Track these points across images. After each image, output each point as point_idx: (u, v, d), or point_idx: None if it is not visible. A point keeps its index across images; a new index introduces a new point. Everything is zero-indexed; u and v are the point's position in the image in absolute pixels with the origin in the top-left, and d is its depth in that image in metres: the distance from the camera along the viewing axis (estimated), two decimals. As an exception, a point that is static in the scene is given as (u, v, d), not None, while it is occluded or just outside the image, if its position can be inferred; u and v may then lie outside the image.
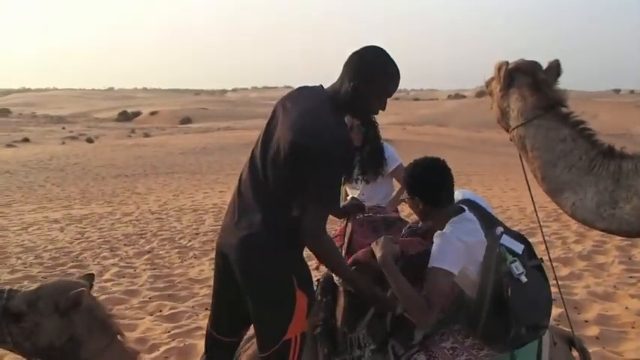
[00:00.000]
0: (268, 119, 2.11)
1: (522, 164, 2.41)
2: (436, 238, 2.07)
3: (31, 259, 7.07)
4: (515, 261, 2.00)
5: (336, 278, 2.24)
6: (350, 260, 2.20)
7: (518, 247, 2.08)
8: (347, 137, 1.98)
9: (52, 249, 7.70)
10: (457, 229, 2.05)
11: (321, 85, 2.12)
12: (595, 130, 2.28)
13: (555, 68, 2.35)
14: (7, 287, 2.06)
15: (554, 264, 6.12)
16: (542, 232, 2.85)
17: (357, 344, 2.18)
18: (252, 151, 2.11)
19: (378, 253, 2.08)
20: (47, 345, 2.02)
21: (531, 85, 2.36)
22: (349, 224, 2.40)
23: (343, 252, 2.32)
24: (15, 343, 2.01)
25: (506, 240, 2.07)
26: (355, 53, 2.04)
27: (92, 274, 2.33)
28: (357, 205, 2.50)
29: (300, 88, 2.15)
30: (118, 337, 2.20)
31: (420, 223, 2.34)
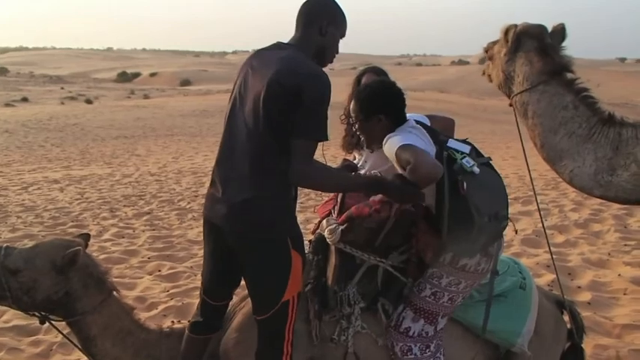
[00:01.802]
0: (238, 86, 2.06)
1: (519, 131, 2.40)
2: (388, 138, 2.07)
3: (31, 218, 7.12)
4: (465, 157, 2.02)
5: (327, 237, 2.24)
6: (342, 217, 2.21)
7: (465, 148, 2.09)
8: (329, 80, 1.99)
9: (52, 209, 7.74)
10: (410, 130, 2.09)
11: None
12: (597, 98, 2.26)
13: (560, 32, 2.31)
14: (5, 245, 2.09)
15: (550, 231, 6.24)
16: (536, 199, 2.86)
17: (347, 302, 2.21)
18: (228, 119, 2.06)
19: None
20: (44, 299, 2.09)
21: (538, 49, 2.32)
22: None
23: (335, 213, 2.33)
24: (14, 298, 2.06)
25: (452, 143, 2.10)
26: (309, 2, 2.09)
27: (88, 234, 2.37)
28: (349, 166, 2.49)
29: (262, 49, 2.12)
30: (114, 293, 2.25)
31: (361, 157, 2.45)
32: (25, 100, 38.62)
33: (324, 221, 2.35)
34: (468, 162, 1.99)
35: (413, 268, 2.24)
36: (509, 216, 2.11)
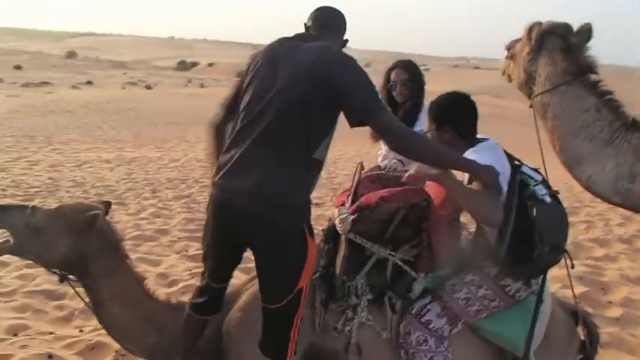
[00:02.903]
0: (265, 74, 2.05)
1: (538, 135, 2.32)
2: (470, 153, 2.08)
3: (78, 193, 7.50)
4: (538, 184, 2.04)
5: (338, 226, 2.25)
6: (354, 207, 2.22)
7: (538, 177, 2.11)
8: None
9: (100, 186, 8.11)
10: (489, 148, 2.11)
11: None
12: (621, 102, 2.16)
13: (587, 32, 2.22)
14: (32, 204, 2.23)
15: (590, 244, 6.00)
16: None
17: (354, 292, 2.22)
18: (253, 105, 2.02)
19: (433, 171, 2.04)
20: (62, 258, 2.22)
21: (563, 48, 2.24)
22: (356, 176, 2.41)
23: (348, 203, 2.34)
24: (36, 254, 2.21)
25: (525, 169, 2.12)
26: (333, 10, 2.20)
27: (110, 202, 2.48)
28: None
29: (285, 39, 2.14)
30: (127, 261, 2.35)
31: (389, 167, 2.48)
32: (89, 83, 40.48)
33: (336, 210, 2.37)
34: (541, 190, 2.03)
35: (424, 262, 2.23)
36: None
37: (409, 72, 3.00)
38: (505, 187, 2.03)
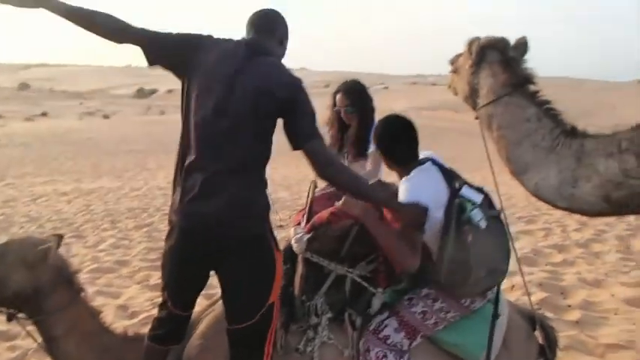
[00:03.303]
0: (213, 91, 1.98)
1: (485, 146, 2.39)
2: (402, 184, 2.14)
3: (33, 228, 7.25)
4: (475, 208, 2.06)
5: (294, 246, 2.26)
6: (308, 226, 2.23)
7: (478, 197, 2.14)
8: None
9: (56, 219, 7.87)
10: (422, 175, 2.14)
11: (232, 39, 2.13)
12: (560, 110, 2.26)
13: (523, 46, 2.31)
14: None
15: (549, 250, 6.15)
16: (502, 206, 2.82)
17: (314, 312, 2.21)
18: (204, 123, 1.97)
19: (356, 209, 2.13)
20: (12, 295, 2.12)
21: (502, 61, 2.33)
22: (310, 194, 2.43)
23: (304, 222, 2.34)
24: None
25: (466, 191, 2.13)
26: (268, 13, 2.16)
27: (61, 235, 2.40)
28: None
29: (226, 43, 2.07)
30: (82, 294, 2.28)
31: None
32: (44, 114, 39.51)
33: (292, 230, 2.37)
34: (477, 215, 2.04)
35: (381, 277, 2.25)
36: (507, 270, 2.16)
37: (351, 97, 3.03)
38: (440, 214, 2.07)
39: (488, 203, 2.18)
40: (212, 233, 1.97)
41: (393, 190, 2.22)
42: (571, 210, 2.22)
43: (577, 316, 4.14)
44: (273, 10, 2.18)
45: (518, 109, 2.27)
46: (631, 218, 7.42)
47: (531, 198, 7.64)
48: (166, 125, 29.55)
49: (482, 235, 2.03)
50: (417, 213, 2.05)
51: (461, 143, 23.90)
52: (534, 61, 2.33)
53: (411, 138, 2.25)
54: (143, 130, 26.83)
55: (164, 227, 7.39)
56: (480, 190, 2.21)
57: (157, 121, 33.25)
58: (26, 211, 8.63)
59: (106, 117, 39.39)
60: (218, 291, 2.20)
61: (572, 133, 2.19)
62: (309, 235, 2.21)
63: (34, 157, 17.18)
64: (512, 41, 2.32)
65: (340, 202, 2.18)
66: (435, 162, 2.25)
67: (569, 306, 4.37)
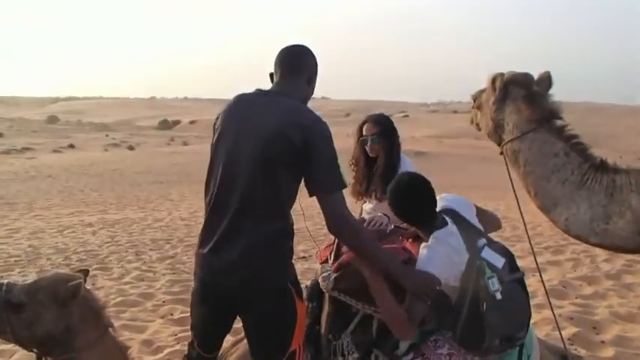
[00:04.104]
0: (229, 138, 2.02)
1: (511, 180, 2.37)
2: (422, 250, 2.09)
3: (60, 260, 7.33)
4: (493, 277, 2.00)
5: (321, 284, 2.24)
6: (336, 265, 2.21)
7: (499, 262, 2.08)
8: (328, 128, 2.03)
9: (82, 251, 7.96)
10: (441, 244, 2.08)
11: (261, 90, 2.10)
12: (588, 144, 2.23)
13: (547, 80, 2.31)
14: (5, 280, 2.16)
15: (579, 282, 5.98)
16: (530, 243, 2.77)
17: (340, 352, 2.19)
18: (223, 174, 2.00)
19: (365, 270, 2.09)
20: (45, 334, 2.12)
21: (526, 97, 2.33)
22: None
23: (331, 260, 2.33)
24: (13, 334, 2.11)
25: (487, 253, 2.07)
26: (296, 50, 2.11)
27: (87, 270, 2.42)
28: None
29: (247, 95, 2.09)
30: (110, 330, 2.28)
31: None
32: (71, 146, 40.44)
33: (319, 268, 2.36)
34: (494, 284, 2.01)
35: None
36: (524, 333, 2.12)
37: (380, 125, 2.98)
38: (456, 278, 2.04)
39: (510, 266, 2.11)
40: (226, 285, 1.97)
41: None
42: (603, 246, 2.18)
43: (611, 353, 3.99)
44: (301, 46, 2.13)
45: (545, 145, 2.25)
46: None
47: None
48: (189, 156, 30.00)
49: (497, 305, 1.98)
50: (427, 286, 2.00)
51: (483, 170, 23.70)
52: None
53: (425, 201, 2.16)
54: (166, 161, 27.25)
55: (187, 259, 7.44)
56: (503, 250, 2.15)
57: (180, 152, 33.78)
58: (53, 243, 8.75)
59: (130, 148, 40.18)
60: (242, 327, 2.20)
61: (602, 167, 2.16)
62: (336, 274, 2.19)
63: (60, 189, 17.51)
64: (535, 75, 2.32)
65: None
66: (455, 216, 2.18)
67: (603, 342, 4.22)
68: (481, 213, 2.36)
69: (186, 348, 4.00)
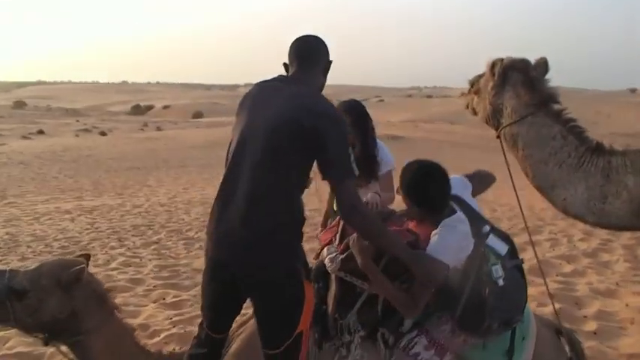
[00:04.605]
0: (246, 122, 2.05)
1: (507, 163, 2.44)
2: (433, 236, 2.14)
3: (40, 247, 7.22)
4: (497, 264, 2.08)
5: (328, 266, 2.28)
6: (342, 246, 2.25)
7: (503, 248, 2.15)
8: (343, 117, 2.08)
9: (62, 238, 7.84)
10: (452, 232, 2.12)
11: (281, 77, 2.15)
12: (584, 128, 2.31)
13: (543, 65, 2.38)
14: (7, 268, 2.14)
15: (558, 261, 6.19)
16: (527, 228, 2.87)
17: (347, 330, 2.23)
18: (235, 155, 2.04)
19: (359, 258, 2.12)
20: (50, 319, 2.12)
21: (525, 82, 2.39)
22: None
23: (336, 242, 2.37)
24: (17, 321, 2.11)
25: (491, 240, 2.14)
26: (311, 40, 2.15)
27: (88, 254, 2.43)
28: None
29: (266, 82, 2.14)
30: (115, 312, 2.29)
31: None
32: (41, 132, 39.36)
33: (325, 250, 2.39)
34: (497, 271, 2.07)
35: None
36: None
37: (351, 114, 2.97)
38: (461, 262, 2.09)
39: (511, 253, 2.18)
40: (234, 265, 2.00)
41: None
42: (600, 225, 2.27)
43: (594, 326, 4.17)
44: (316, 37, 2.17)
45: (543, 128, 2.33)
46: (635, 228, 7.48)
47: (534, 208, 7.78)
48: (165, 142, 29.56)
49: (498, 291, 2.06)
50: (435, 275, 2.04)
51: (460, 155, 24.02)
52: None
53: (444, 187, 2.17)
54: (142, 147, 26.79)
55: (172, 244, 7.41)
56: (505, 236, 2.22)
57: (155, 137, 33.21)
58: (31, 230, 8.59)
59: (102, 134, 39.30)
60: (250, 310, 2.23)
61: (599, 149, 2.25)
62: (343, 256, 2.23)
63: (33, 176, 17.10)
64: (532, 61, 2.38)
65: (351, 242, 2.17)
66: (460, 202, 2.22)
67: (586, 317, 4.40)
68: (475, 180, 2.41)
69: (183, 331, 4.06)
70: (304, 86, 2.06)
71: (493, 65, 2.43)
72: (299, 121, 1.92)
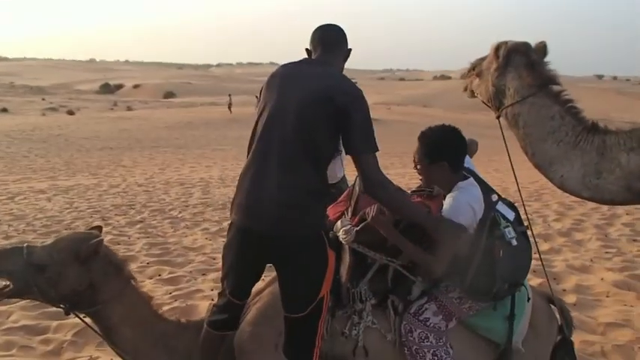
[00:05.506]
0: (275, 97, 2.15)
1: (505, 144, 2.57)
2: (449, 198, 2.26)
3: (22, 226, 7.13)
4: (509, 226, 2.22)
5: (342, 237, 2.38)
6: (356, 219, 2.35)
7: (510, 214, 2.30)
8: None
9: (43, 217, 7.75)
10: (466, 194, 2.26)
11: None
12: (581, 108, 2.46)
13: (543, 49, 2.52)
14: (25, 243, 2.18)
15: (536, 239, 6.45)
16: (525, 209, 3.02)
17: (359, 298, 2.34)
18: (266, 129, 2.14)
19: (383, 230, 2.24)
20: (70, 291, 2.18)
21: (527, 64, 2.51)
22: (356, 188, 2.55)
23: (349, 215, 2.47)
24: (41, 293, 2.15)
25: (500, 207, 2.28)
26: (335, 29, 2.30)
27: (100, 226, 2.48)
28: None
29: (293, 63, 2.27)
30: (132, 282, 2.36)
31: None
32: (4, 110, 38.14)
33: (339, 222, 2.48)
34: (510, 232, 2.19)
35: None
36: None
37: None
38: (473, 227, 2.21)
39: (517, 220, 2.32)
40: (265, 233, 2.10)
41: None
42: (594, 199, 2.43)
43: (573, 299, 4.42)
44: (338, 26, 2.32)
45: (543, 109, 2.46)
46: (604, 208, 7.82)
47: (508, 190, 8.04)
48: (137, 121, 29.04)
49: (512, 252, 2.18)
50: (456, 237, 2.16)
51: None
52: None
53: (466, 148, 2.34)
54: (114, 127, 26.26)
55: (157, 223, 7.41)
56: (511, 205, 2.36)
57: (127, 117, 32.57)
58: (7, 210, 8.45)
59: (70, 113, 38.28)
60: (265, 277, 2.33)
61: (594, 129, 2.40)
62: (357, 228, 2.33)
63: (2, 155, 16.67)
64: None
65: (369, 217, 2.26)
66: (469, 171, 2.36)
67: (565, 290, 4.65)
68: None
69: (185, 305, 4.13)
70: (331, 67, 2.20)
71: (497, 48, 2.54)
72: (331, 98, 2.05)
